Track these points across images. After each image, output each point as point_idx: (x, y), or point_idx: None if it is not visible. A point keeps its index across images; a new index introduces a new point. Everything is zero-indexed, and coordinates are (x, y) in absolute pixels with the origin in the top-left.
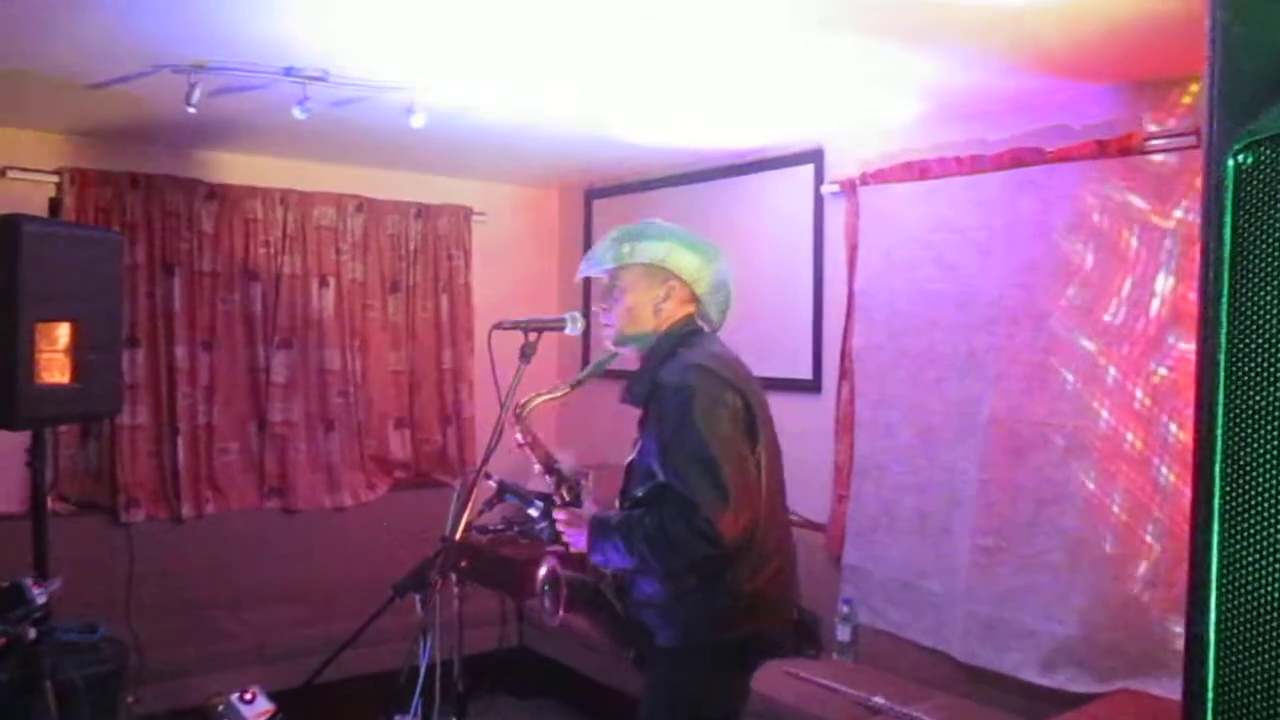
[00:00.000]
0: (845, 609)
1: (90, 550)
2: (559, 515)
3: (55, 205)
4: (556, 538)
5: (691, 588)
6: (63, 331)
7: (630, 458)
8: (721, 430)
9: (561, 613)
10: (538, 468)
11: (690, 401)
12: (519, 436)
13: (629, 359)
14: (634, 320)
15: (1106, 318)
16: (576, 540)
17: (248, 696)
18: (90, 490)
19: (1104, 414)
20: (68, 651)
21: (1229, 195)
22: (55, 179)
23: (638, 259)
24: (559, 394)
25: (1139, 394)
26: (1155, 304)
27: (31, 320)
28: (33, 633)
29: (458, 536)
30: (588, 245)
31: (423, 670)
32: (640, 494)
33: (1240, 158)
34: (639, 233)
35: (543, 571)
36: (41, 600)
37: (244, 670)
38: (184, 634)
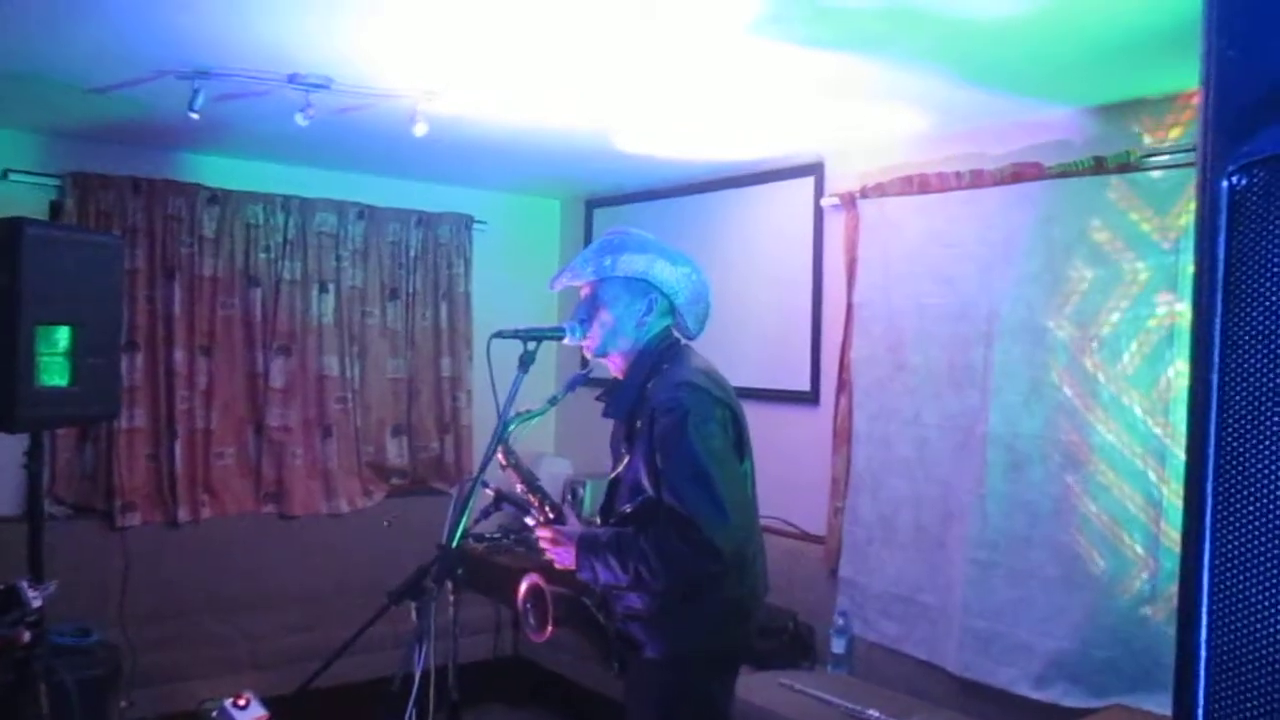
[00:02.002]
0: (840, 621)
1: (85, 554)
2: (542, 533)
3: (57, 208)
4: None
5: (681, 599)
6: (62, 334)
7: (616, 473)
8: (715, 446)
9: (550, 629)
10: (520, 487)
11: (685, 420)
12: (501, 458)
13: (605, 368)
14: (615, 333)
15: (1104, 333)
16: (562, 558)
17: (241, 702)
18: (86, 493)
19: (1100, 429)
20: (61, 655)
21: (1223, 217)
22: (57, 182)
23: (619, 272)
24: (537, 416)
25: (1135, 409)
26: (1152, 320)
27: (31, 323)
28: (27, 635)
29: (454, 544)
30: None
31: (417, 678)
32: (629, 510)
33: (1234, 179)
34: (620, 245)
35: (524, 587)
36: (36, 603)
37: (238, 675)
38: (178, 638)
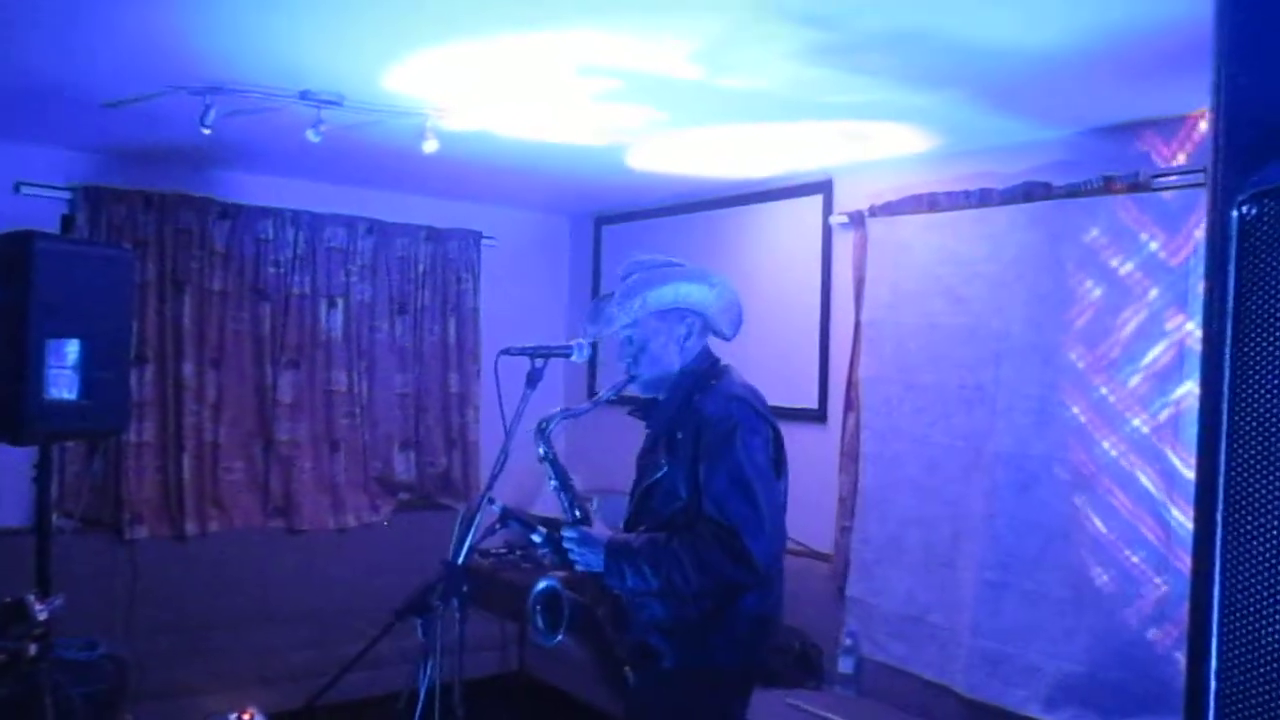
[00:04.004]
0: (848, 641)
1: (93, 567)
2: (569, 534)
3: (68, 222)
4: (563, 557)
5: (706, 612)
6: (72, 348)
7: (651, 480)
8: (759, 460)
9: (560, 635)
10: (554, 483)
11: (734, 432)
12: (541, 451)
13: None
14: (660, 362)
15: (1113, 353)
16: (589, 560)
17: (246, 717)
18: (94, 506)
19: (1110, 449)
20: (67, 669)
21: (1233, 246)
22: (69, 195)
23: (651, 309)
24: (579, 414)
25: (1145, 430)
26: (1162, 340)
27: (42, 335)
28: (33, 649)
29: (460, 562)
30: (597, 272)
31: (422, 694)
32: (663, 517)
33: (1244, 209)
34: (645, 283)
35: (539, 587)
36: (43, 617)
37: (244, 691)
38: (184, 653)
